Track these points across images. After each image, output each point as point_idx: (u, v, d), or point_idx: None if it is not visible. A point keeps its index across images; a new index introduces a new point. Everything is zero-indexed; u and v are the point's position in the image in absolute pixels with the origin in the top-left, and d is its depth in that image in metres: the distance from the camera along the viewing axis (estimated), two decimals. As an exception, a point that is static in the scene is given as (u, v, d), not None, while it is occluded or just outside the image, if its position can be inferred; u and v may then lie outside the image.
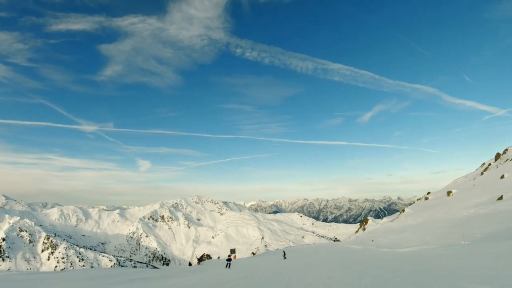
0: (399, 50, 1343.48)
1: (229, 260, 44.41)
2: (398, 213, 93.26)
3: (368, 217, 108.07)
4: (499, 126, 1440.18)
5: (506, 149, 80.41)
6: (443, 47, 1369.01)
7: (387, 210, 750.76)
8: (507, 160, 74.53)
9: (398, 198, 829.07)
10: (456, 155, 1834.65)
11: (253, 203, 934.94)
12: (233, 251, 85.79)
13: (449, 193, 70.31)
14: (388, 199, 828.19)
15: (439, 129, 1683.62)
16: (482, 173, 79.28)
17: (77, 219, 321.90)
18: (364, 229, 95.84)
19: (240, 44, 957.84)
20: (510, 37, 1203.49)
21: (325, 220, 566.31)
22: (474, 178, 77.29)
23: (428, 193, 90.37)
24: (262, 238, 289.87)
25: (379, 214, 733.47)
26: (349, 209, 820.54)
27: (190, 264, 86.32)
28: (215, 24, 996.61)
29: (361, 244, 53.69)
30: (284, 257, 52.11)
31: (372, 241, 50.00)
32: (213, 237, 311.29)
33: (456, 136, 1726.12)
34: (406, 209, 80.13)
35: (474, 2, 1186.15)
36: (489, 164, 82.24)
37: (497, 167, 74.57)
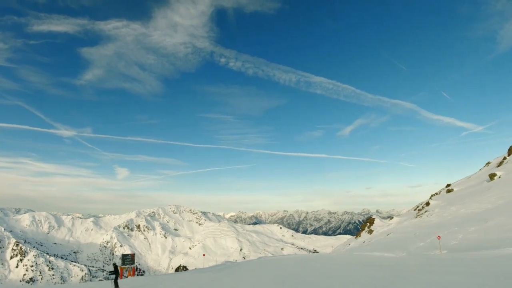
0: (380, 66, 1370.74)
1: None
2: (417, 207, 73.93)
3: (374, 216, 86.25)
4: (476, 142, 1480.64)
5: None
6: (423, 64, 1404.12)
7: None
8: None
9: (377, 211, 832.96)
10: (433, 169, 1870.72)
11: (232, 214, 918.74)
12: (113, 270, 38.28)
13: (492, 176, 56.34)
14: (367, 212, 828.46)
15: (417, 144, 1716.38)
16: (499, 165, 67.41)
17: (49, 226, 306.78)
18: (370, 232, 74.80)
19: (225, 53, 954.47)
20: (489, 55, 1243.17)
21: (304, 232, 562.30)
22: (503, 164, 64.82)
23: (448, 185, 75.98)
24: (241, 249, 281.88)
25: (357, 226, 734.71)
26: (329, 221, 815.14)
27: None
28: (200, 33, 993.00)
29: (389, 251, 33.07)
30: (116, 283, 27.61)
31: (439, 237, 28.97)
32: (190, 248, 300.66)
33: (434, 151, 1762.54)
34: (432, 201, 64.50)
35: (454, 21, 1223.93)
36: (504, 158, 70.36)
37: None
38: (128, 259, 49.81)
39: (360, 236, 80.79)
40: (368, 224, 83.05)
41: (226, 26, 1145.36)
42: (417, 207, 73.67)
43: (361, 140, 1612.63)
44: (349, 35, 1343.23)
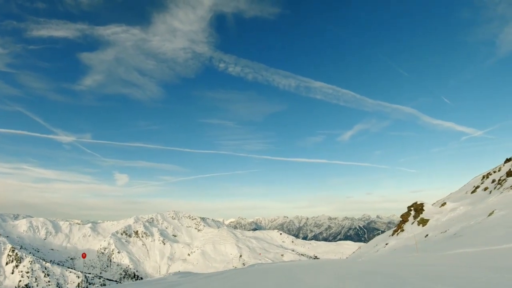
0: (381, 70, 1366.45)
1: None
2: (475, 188, 59.41)
3: (422, 202, 62.07)
4: (476, 146, 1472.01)
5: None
6: (423, 68, 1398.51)
7: (367, 228, 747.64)
8: None
9: (377, 216, 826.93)
10: (434, 174, 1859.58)
11: (232, 220, 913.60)
12: None
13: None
14: (368, 218, 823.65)
15: (417, 149, 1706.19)
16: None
17: (47, 232, 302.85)
18: (423, 222, 53.45)
19: (224, 58, 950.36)
20: (488, 59, 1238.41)
21: (305, 238, 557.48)
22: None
23: (508, 159, 60.48)
24: (240, 256, 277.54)
25: (358, 232, 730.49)
26: (329, 227, 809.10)
27: None
28: (199, 38, 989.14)
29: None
30: None
31: None
32: (189, 254, 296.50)
33: (434, 156, 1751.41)
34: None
35: (455, 25, 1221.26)
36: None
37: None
38: None
39: (402, 230, 60.65)
40: (413, 213, 62.59)
41: (226, 31, 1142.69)
42: (475, 188, 59.59)
43: (361, 145, 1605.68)
44: (349, 40, 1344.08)
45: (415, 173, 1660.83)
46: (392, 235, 63.63)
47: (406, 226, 59.70)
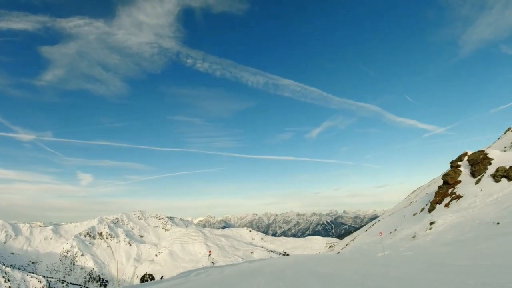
0: (347, 69, 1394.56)
1: None
2: None
3: (482, 149, 44.71)
4: (437, 143, 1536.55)
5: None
6: (388, 67, 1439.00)
7: (334, 223, 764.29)
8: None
9: (344, 211, 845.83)
10: (397, 170, 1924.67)
11: (201, 218, 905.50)
12: None
13: None
14: (335, 213, 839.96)
15: (381, 145, 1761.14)
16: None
17: (6, 235, 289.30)
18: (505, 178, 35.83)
19: (191, 54, 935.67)
20: (451, 59, 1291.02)
21: (274, 235, 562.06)
22: None
23: None
24: (209, 254, 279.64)
25: (326, 227, 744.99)
26: (298, 223, 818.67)
27: None
28: (166, 32, 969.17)
29: None
30: None
31: None
32: (156, 255, 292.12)
33: (398, 152, 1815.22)
34: None
35: (419, 26, 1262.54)
36: None
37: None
38: None
39: (458, 197, 39.43)
40: (468, 169, 43.05)
41: (193, 26, 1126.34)
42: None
43: (328, 142, 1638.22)
44: (317, 39, 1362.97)
45: (379, 168, 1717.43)
46: (431, 210, 43.75)
47: (464, 189, 39.73)
